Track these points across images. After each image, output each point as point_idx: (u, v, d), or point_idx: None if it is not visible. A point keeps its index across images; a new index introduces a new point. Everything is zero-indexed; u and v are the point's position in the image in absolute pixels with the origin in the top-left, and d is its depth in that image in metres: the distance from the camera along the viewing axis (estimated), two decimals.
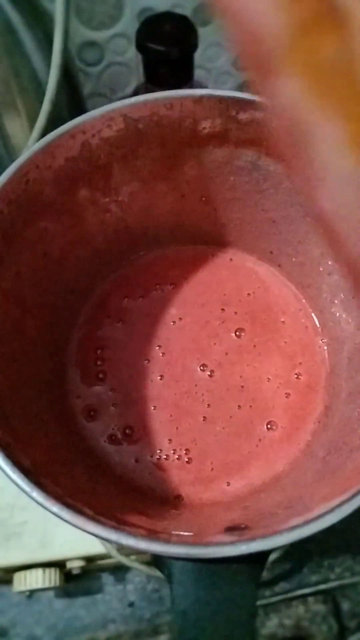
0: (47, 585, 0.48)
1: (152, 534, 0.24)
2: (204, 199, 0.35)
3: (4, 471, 0.23)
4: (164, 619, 0.53)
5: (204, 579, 0.23)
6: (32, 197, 0.29)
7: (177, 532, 0.25)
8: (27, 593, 0.50)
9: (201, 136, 0.31)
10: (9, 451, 0.24)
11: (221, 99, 0.30)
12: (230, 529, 0.24)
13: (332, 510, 0.23)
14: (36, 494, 0.23)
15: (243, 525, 0.25)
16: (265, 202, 0.34)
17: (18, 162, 0.28)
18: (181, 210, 0.36)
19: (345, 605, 0.55)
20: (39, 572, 0.48)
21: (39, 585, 0.48)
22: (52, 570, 0.48)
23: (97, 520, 0.23)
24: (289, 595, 0.54)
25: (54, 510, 0.23)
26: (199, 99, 0.30)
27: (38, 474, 0.25)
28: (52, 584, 0.48)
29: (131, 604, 0.54)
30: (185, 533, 0.25)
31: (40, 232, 0.31)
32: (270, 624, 0.53)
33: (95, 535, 0.22)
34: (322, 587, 0.54)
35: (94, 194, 0.32)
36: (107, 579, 0.54)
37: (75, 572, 0.49)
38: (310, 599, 0.54)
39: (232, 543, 0.22)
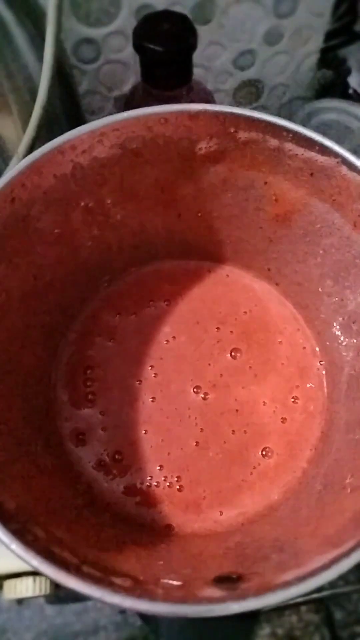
0: (37, 593, 0.47)
1: (138, 585, 0.22)
2: (200, 214, 0.33)
3: None
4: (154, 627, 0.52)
5: (194, 636, 0.22)
6: (19, 218, 0.27)
7: (165, 580, 0.23)
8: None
9: (198, 157, 0.29)
10: None
11: (218, 115, 0.28)
12: (221, 580, 0.23)
13: (328, 566, 0.21)
14: (15, 545, 0.21)
15: (235, 576, 0.23)
16: (263, 221, 0.32)
17: (2, 180, 0.26)
18: (177, 227, 0.34)
19: (338, 615, 0.53)
20: (29, 580, 0.47)
21: (29, 594, 0.47)
22: (43, 578, 0.47)
23: (81, 573, 0.21)
24: (282, 604, 0.53)
25: (33, 563, 0.21)
26: (195, 115, 0.28)
27: (21, 517, 0.23)
28: (43, 592, 0.47)
29: (122, 611, 0.53)
30: (174, 582, 0.23)
31: (29, 255, 0.29)
32: (263, 633, 0.52)
33: (78, 591, 0.21)
34: (315, 596, 0.53)
35: (86, 215, 0.30)
36: None
37: None
38: (303, 608, 0.53)
39: (222, 601, 0.21)
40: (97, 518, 0.29)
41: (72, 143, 0.28)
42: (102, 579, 0.22)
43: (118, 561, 0.25)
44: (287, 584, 0.21)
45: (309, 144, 0.27)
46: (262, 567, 0.24)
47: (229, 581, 0.23)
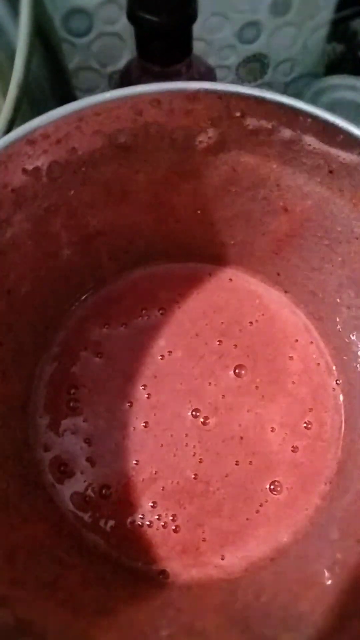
0: None
1: None
2: (199, 212, 0.27)
3: None
4: None
5: None
6: None
7: None
8: None
9: (197, 151, 0.23)
10: None
11: (221, 95, 0.22)
12: None
13: None
14: None
15: None
16: (271, 223, 0.26)
17: None
18: (172, 227, 0.28)
19: None
20: None
21: None
22: None
23: None
24: None
25: None
26: (194, 95, 0.22)
27: None
28: None
29: None
30: None
31: (1, 267, 0.23)
32: None
33: None
34: None
35: (67, 219, 0.25)
36: None
37: None
38: None
39: None
40: (80, 570, 0.24)
41: (43, 130, 0.22)
42: None
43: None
44: None
45: (331, 133, 0.21)
46: None
47: None
